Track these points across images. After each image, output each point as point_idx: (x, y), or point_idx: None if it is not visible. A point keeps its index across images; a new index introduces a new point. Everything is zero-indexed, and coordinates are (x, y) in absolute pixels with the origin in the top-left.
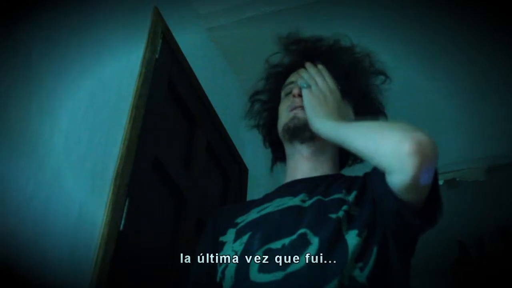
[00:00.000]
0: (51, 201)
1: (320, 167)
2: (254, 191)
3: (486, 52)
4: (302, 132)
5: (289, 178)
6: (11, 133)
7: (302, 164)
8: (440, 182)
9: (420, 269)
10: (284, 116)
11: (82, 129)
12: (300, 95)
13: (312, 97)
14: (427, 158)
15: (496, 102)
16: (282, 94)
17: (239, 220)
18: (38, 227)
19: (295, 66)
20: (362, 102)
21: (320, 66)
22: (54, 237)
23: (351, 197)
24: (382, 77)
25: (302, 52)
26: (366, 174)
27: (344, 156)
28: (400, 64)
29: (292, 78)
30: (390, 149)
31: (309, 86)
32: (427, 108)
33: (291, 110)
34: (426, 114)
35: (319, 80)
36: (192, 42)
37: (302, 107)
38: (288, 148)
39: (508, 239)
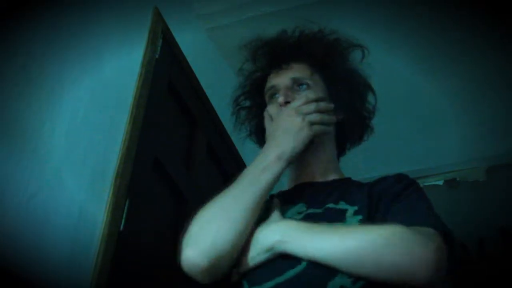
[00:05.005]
0: (51, 201)
1: (323, 172)
2: None
3: (486, 52)
4: None
5: (294, 181)
6: (12, 133)
7: (307, 168)
8: (440, 182)
9: None
10: None
11: (82, 129)
12: (286, 102)
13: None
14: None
15: (496, 102)
16: (266, 98)
17: None
18: (38, 227)
19: (270, 67)
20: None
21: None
22: (54, 237)
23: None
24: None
25: (270, 53)
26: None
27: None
28: (401, 65)
29: (272, 81)
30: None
31: (286, 102)
32: (427, 108)
33: None
34: (426, 114)
35: (308, 106)
36: (192, 42)
37: None
38: None
39: (508, 239)
